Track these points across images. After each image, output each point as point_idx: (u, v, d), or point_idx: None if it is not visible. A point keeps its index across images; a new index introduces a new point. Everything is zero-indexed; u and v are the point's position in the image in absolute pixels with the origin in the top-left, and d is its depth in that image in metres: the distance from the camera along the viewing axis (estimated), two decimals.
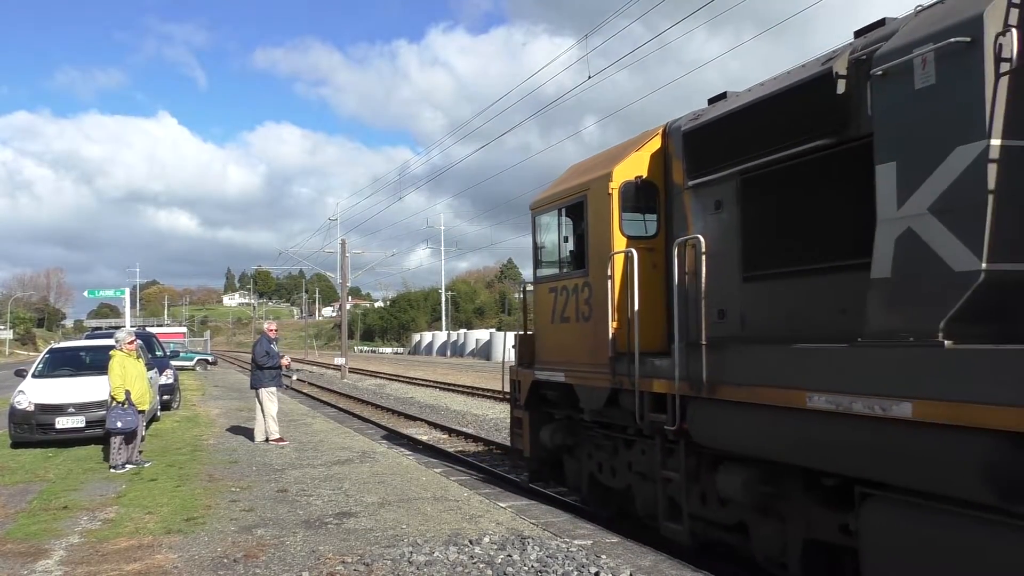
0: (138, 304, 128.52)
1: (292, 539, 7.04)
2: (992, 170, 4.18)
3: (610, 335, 7.37)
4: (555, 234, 8.79)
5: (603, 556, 6.28)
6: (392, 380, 37.01)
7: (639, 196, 7.43)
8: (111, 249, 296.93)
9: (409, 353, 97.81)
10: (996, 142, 4.19)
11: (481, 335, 77.51)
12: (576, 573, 5.82)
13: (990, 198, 4.19)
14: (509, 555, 6.25)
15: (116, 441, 10.88)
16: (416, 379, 35.37)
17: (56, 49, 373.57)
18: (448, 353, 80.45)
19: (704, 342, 6.15)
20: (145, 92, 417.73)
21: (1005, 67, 4.18)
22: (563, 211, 8.59)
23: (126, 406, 10.88)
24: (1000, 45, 4.17)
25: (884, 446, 4.53)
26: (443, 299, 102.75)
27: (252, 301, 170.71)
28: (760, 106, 6.00)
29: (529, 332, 9.52)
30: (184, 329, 73.25)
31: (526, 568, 5.93)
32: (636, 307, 6.96)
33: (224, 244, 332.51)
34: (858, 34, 5.54)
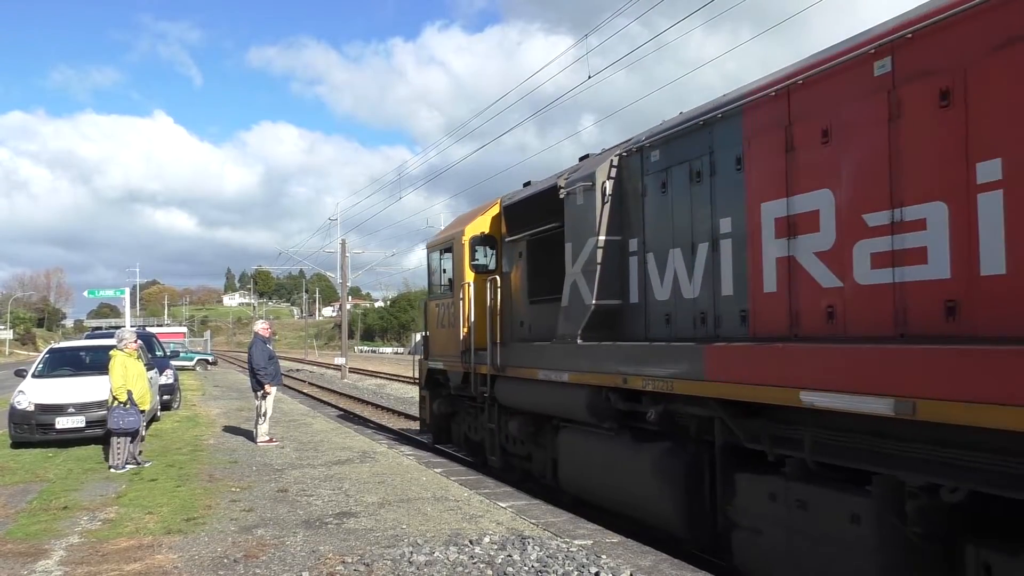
0: (138, 304, 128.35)
1: (292, 539, 7.08)
2: (599, 252, 8.01)
3: (462, 337, 11.25)
4: (439, 267, 12.67)
5: (603, 556, 6.30)
6: (392, 380, 37.12)
7: (483, 245, 11.06)
8: (109, 249, 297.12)
9: (409, 353, 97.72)
10: (602, 238, 8.01)
11: None
12: (576, 573, 5.84)
13: (598, 267, 8.01)
14: (509, 555, 6.28)
15: (117, 441, 10.88)
16: (416, 379, 35.32)
17: (50, 48, 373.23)
18: None
19: (498, 342, 10.27)
20: (140, 91, 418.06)
21: (606, 199, 8.06)
22: (442, 251, 12.42)
23: (128, 406, 10.90)
24: (604, 187, 8.07)
25: (563, 398, 8.45)
26: None
27: (252, 301, 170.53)
28: (534, 197, 9.99)
29: (428, 334, 13.41)
30: (184, 329, 73.06)
31: (526, 568, 5.96)
32: (474, 319, 10.96)
33: (223, 244, 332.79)
34: (580, 159, 9.34)
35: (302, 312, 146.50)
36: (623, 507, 7.72)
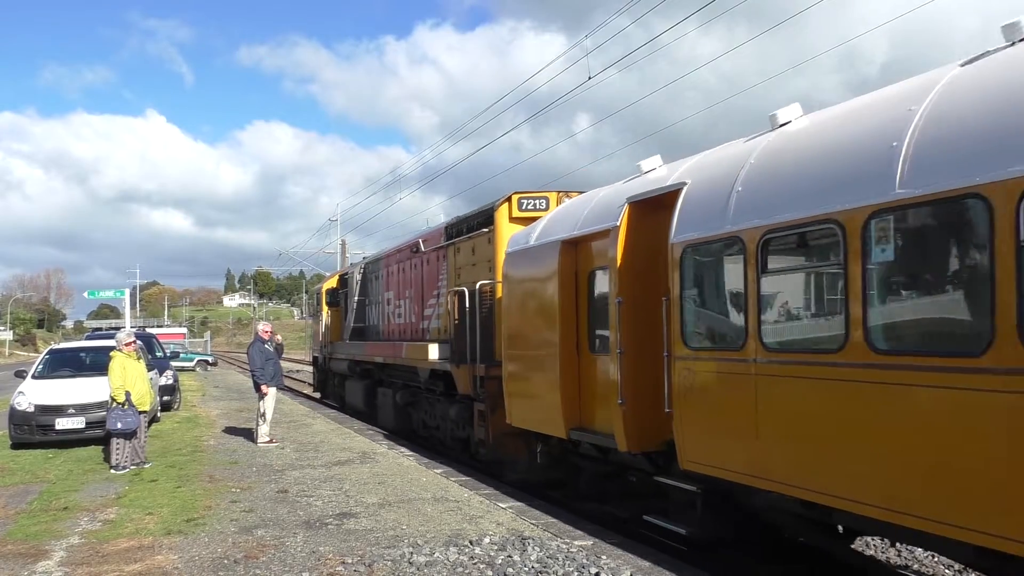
0: (138, 305, 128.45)
1: (292, 540, 7.18)
2: (356, 303, 20.78)
3: (321, 338, 23.24)
4: (315, 301, 25.05)
5: (603, 557, 6.36)
6: None
7: (335, 293, 22.52)
8: (106, 249, 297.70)
9: None
10: (357, 297, 20.59)
11: None
12: (576, 574, 5.95)
13: (355, 309, 20.47)
14: (509, 556, 6.38)
15: (116, 442, 10.89)
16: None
17: (40, 45, 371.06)
18: None
19: (332, 341, 22.60)
20: (132, 90, 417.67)
21: (357, 282, 20.51)
22: (317, 294, 24.73)
23: (126, 407, 10.93)
24: (356, 276, 20.62)
25: (344, 366, 21.11)
26: None
27: (252, 302, 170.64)
28: (344, 275, 22.35)
29: (313, 337, 26.10)
30: (184, 330, 73.62)
31: (526, 568, 6.05)
32: (324, 329, 23.35)
33: (220, 244, 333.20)
34: (364, 257, 22.02)
35: (302, 313, 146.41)
36: (359, 409, 18.72)
